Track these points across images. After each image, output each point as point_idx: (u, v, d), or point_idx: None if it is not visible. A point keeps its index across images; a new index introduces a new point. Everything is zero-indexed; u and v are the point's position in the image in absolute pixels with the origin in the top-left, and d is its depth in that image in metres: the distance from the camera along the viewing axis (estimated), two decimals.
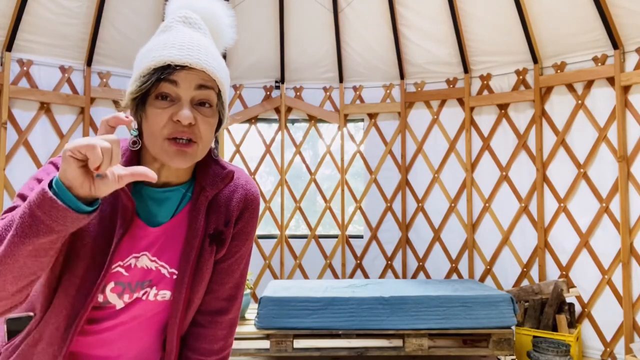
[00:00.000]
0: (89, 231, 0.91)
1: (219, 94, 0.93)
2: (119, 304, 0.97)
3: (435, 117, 4.74)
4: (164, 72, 0.86)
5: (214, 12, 1.01)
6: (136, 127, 0.95)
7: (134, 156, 0.96)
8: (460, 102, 4.61)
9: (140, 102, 0.89)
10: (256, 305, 3.64)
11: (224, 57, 4.74)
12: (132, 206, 0.92)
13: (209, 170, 1.02)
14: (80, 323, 0.93)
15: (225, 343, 1.08)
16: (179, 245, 0.99)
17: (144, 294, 0.98)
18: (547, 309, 3.61)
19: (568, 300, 3.77)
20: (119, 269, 0.95)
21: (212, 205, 1.01)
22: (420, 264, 4.71)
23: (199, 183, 1.01)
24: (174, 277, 0.98)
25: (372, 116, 4.94)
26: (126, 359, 1.01)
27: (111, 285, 0.95)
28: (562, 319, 3.56)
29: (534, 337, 3.54)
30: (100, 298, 0.95)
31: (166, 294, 0.99)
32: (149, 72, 0.87)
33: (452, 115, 4.67)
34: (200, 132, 0.90)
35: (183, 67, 0.87)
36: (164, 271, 0.98)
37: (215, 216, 1.01)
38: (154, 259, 0.98)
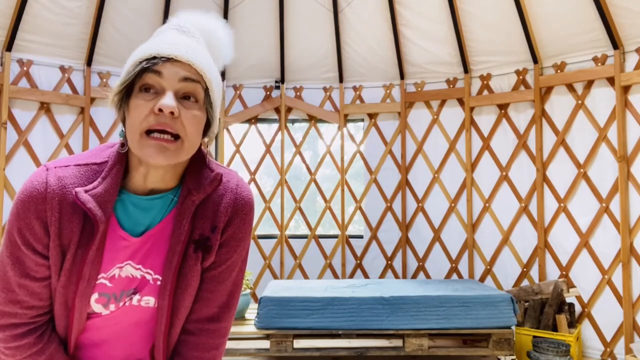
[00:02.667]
0: (71, 247, 0.89)
1: (206, 92, 0.90)
2: (104, 312, 0.95)
3: (435, 117, 4.74)
4: (149, 62, 0.84)
5: (212, 30, 0.99)
6: (123, 129, 0.93)
7: (119, 162, 0.93)
8: (460, 102, 4.61)
9: (124, 95, 0.87)
10: (256, 305, 3.64)
11: None
12: (97, 220, 0.88)
13: (198, 174, 0.97)
14: (72, 335, 0.94)
15: (217, 352, 1.04)
16: (164, 251, 0.96)
17: (128, 301, 0.96)
18: (547, 309, 3.61)
19: (568, 300, 3.77)
20: (102, 280, 0.93)
21: (199, 210, 0.97)
22: (420, 264, 4.71)
23: (186, 186, 0.96)
24: (158, 283, 0.96)
25: (372, 116, 4.94)
26: (114, 353, 1.00)
27: (95, 296, 0.93)
28: (562, 319, 3.56)
29: (534, 337, 3.54)
30: (87, 309, 0.94)
31: (150, 300, 0.97)
32: (134, 65, 0.86)
33: (452, 115, 4.67)
34: (184, 127, 0.86)
35: (168, 59, 0.85)
36: (148, 277, 0.96)
37: (202, 221, 0.97)
38: (138, 266, 0.95)
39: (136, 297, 0.96)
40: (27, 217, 0.88)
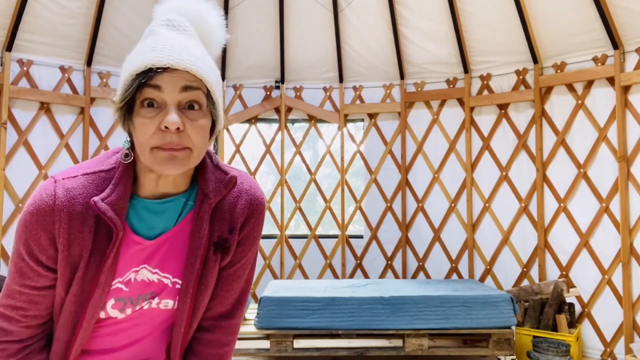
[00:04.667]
0: (83, 256, 0.89)
1: (208, 95, 0.89)
2: (120, 316, 0.96)
3: (435, 117, 4.74)
4: (146, 76, 0.82)
5: (202, 14, 0.97)
6: (128, 139, 0.92)
7: (128, 169, 0.93)
8: (460, 102, 4.61)
9: (127, 111, 0.86)
10: (256, 305, 3.64)
11: (223, 57, 4.78)
12: (117, 228, 0.89)
13: (211, 177, 0.98)
14: (76, 343, 0.94)
15: (229, 348, 1.07)
16: (182, 255, 0.97)
17: (146, 304, 0.97)
18: (547, 309, 3.61)
19: (568, 300, 3.77)
20: (118, 285, 0.93)
21: (215, 213, 0.98)
22: (420, 264, 4.71)
23: (202, 190, 0.97)
24: (177, 286, 0.97)
25: (372, 116, 4.94)
26: (127, 357, 1.01)
27: (111, 302, 0.94)
28: (562, 319, 3.56)
29: (534, 337, 3.54)
30: (102, 314, 0.94)
31: (169, 303, 0.98)
32: (131, 79, 0.84)
33: (452, 115, 4.67)
34: (191, 139, 0.85)
35: (165, 70, 0.83)
36: (166, 281, 0.97)
37: (219, 224, 0.98)
38: (155, 270, 0.96)
39: (155, 301, 0.97)
40: (34, 229, 0.88)
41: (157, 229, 0.96)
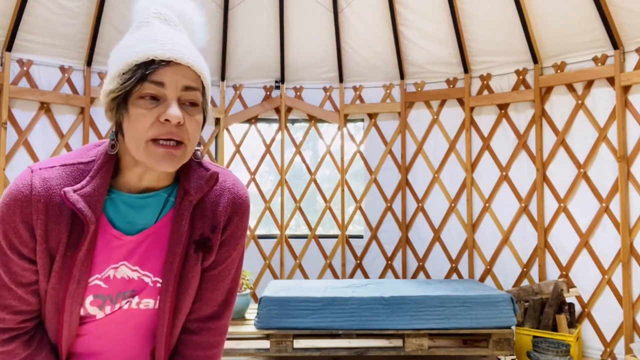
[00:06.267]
0: (59, 248, 0.88)
1: (203, 91, 0.90)
2: (99, 314, 0.94)
3: (435, 117, 4.74)
4: (149, 68, 0.82)
5: (185, 12, 0.97)
6: (114, 129, 0.91)
7: (108, 162, 0.91)
8: (460, 102, 4.61)
9: (121, 101, 0.85)
10: (256, 305, 3.64)
11: (223, 57, 4.78)
12: (87, 220, 0.87)
13: (192, 173, 0.96)
14: (63, 339, 0.93)
15: (217, 350, 1.04)
16: (163, 253, 0.95)
17: (126, 304, 0.94)
18: (547, 309, 3.61)
19: (568, 300, 3.77)
20: (97, 281, 0.91)
21: (197, 210, 0.96)
22: (420, 264, 4.71)
23: (183, 187, 0.95)
24: (158, 285, 0.95)
25: (372, 116, 4.94)
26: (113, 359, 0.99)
27: (90, 298, 0.92)
28: (562, 319, 3.56)
29: (534, 337, 3.54)
30: (82, 312, 0.92)
31: (149, 303, 0.96)
32: (131, 69, 0.83)
33: (452, 115, 4.67)
34: (188, 133, 0.86)
35: (167, 63, 0.83)
36: (147, 280, 0.94)
37: (201, 222, 0.96)
38: (135, 268, 0.93)
39: (135, 300, 0.95)
40: (12, 221, 0.86)
41: (137, 224, 0.94)
